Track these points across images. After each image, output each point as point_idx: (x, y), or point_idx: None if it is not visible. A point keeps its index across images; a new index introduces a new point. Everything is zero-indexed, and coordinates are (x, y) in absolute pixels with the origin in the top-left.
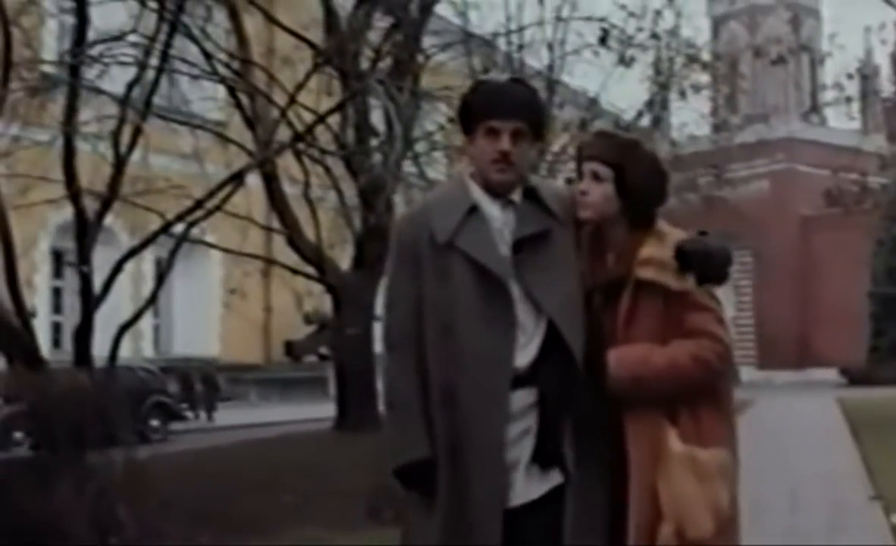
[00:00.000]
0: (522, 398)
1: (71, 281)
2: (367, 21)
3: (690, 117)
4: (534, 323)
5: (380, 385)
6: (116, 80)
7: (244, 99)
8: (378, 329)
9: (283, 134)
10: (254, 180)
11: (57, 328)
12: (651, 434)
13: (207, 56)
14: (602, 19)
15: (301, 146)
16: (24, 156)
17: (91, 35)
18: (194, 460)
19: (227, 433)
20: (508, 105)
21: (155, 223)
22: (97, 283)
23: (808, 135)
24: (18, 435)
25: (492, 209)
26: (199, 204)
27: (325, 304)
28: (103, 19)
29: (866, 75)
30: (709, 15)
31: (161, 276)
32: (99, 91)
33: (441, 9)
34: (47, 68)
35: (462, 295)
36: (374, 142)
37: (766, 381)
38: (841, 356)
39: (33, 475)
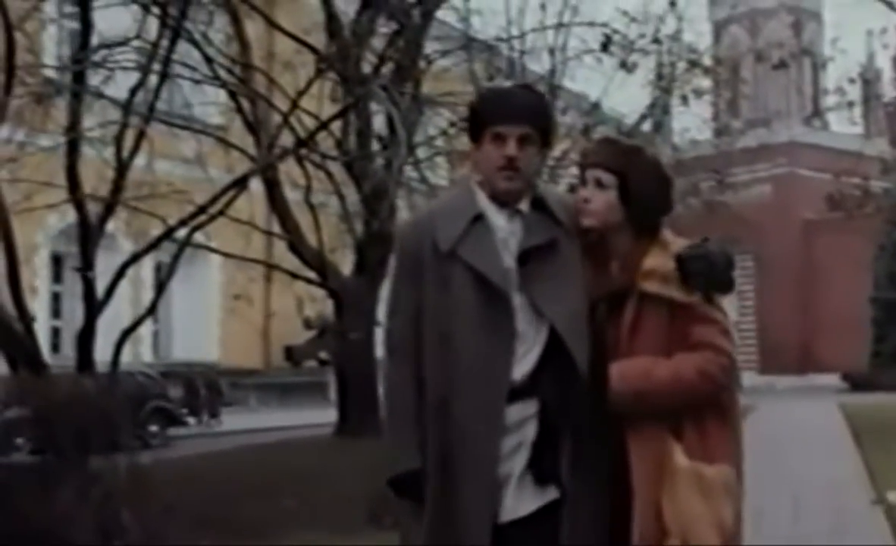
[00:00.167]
0: (519, 411)
1: (70, 286)
2: (371, 27)
3: (692, 122)
4: (534, 332)
5: (381, 390)
6: (119, 85)
7: (245, 103)
8: (379, 334)
9: (286, 139)
10: (255, 185)
11: (56, 333)
12: (655, 448)
13: (209, 60)
14: (604, 25)
15: (303, 151)
16: (27, 161)
17: (94, 40)
18: (196, 465)
19: (228, 438)
20: (514, 110)
21: (156, 228)
22: (98, 288)
23: (810, 139)
24: (19, 440)
25: (498, 218)
26: (201, 209)
27: (327, 308)
28: (107, 25)
29: (868, 79)
30: (710, 19)
31: (162, 281)
32: (101, 96)
33: (443, 14)
34: (50, 74)
35: (462, 304)
36: (376, 147)
37: (768, 386)
38: (843, 361)
39: (36, 480)
